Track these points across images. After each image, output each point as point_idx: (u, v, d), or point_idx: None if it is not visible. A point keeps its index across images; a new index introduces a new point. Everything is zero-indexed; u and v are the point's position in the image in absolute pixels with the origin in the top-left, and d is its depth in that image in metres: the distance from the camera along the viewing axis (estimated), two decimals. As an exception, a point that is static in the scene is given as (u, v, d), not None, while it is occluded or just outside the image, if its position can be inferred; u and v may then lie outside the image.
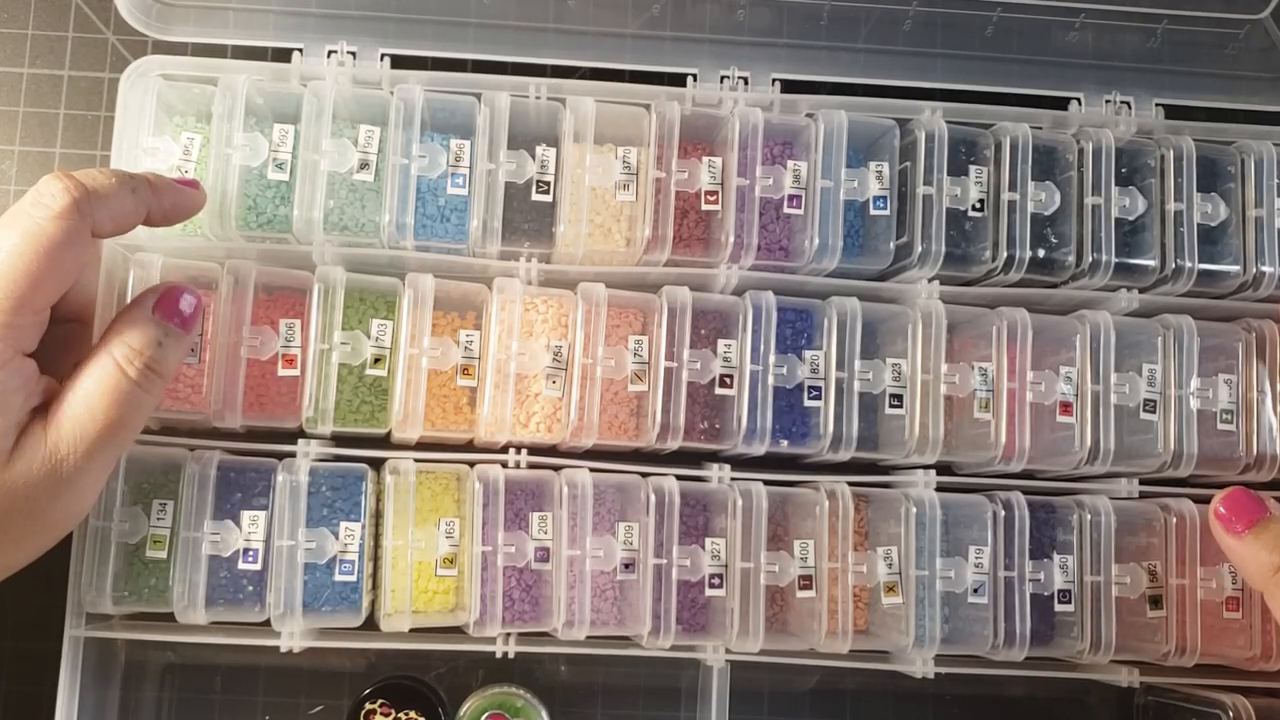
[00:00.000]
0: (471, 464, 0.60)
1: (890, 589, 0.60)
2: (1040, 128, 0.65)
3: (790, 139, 0.64)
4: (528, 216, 0.62)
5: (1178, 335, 0.62)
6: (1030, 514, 0.61)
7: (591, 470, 0.60)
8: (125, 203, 0.50)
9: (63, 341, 0.52)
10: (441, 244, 0.61)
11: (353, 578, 0.58)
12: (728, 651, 0.60)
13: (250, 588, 0.58)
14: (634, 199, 0.62)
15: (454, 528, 0.59)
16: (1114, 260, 0.62)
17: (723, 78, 0.64)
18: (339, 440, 0.60)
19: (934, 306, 0.62)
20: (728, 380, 0.61)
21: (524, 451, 0.60)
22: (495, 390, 0.59)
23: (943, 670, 0.61)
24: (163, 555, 0.58)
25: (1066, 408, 0.61)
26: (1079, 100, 0.66)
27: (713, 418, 0.61)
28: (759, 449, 0.61)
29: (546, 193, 0.61)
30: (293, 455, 0.59)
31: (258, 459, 0.59)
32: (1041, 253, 0.62)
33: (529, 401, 0.61)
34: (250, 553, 0.57)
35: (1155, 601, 0.62)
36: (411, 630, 0.59)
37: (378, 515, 0.59)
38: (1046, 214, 0.63)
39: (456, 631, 0.60)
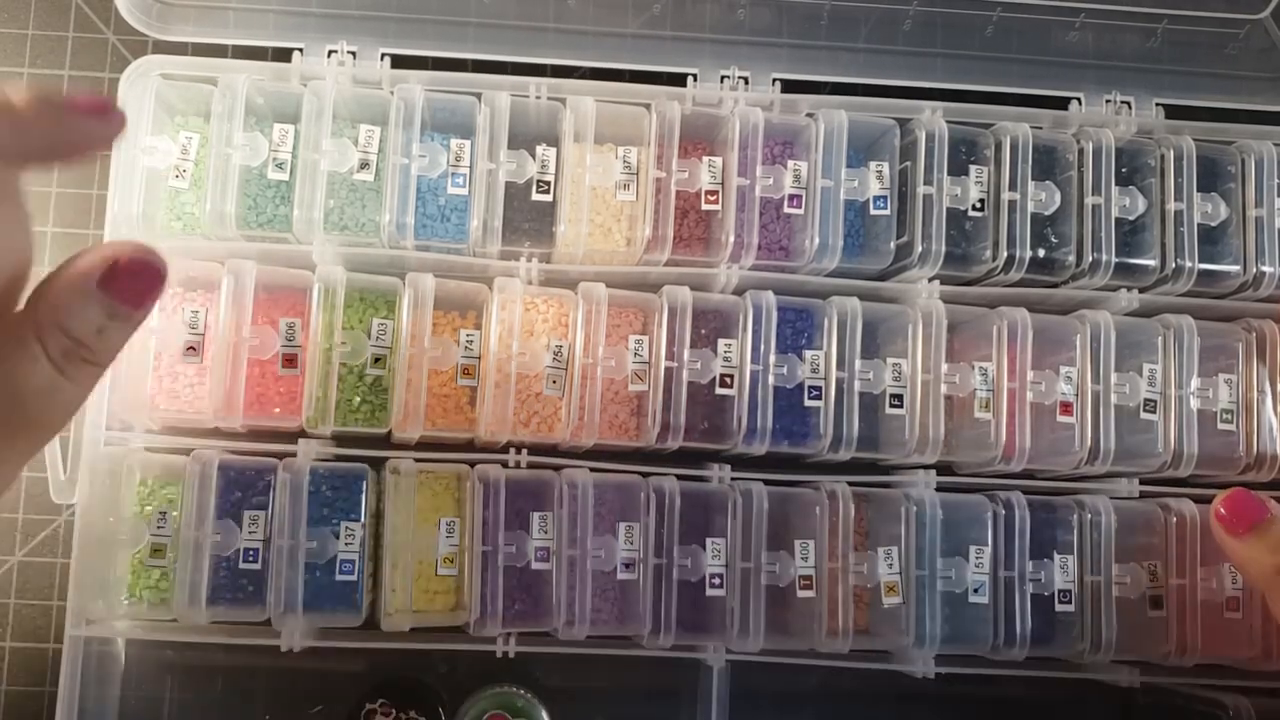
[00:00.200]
0: (472, 464, 0.60)
1: (890, 589, 0.60)
2: (1040, 128, 0.65)
3: (790, 139, 0.64)
4: (528, 216, 0.62)
5: (1178, 335, 0.62)
6: (1030, 514, 0.61)
7: (592, 470, 0.60)
8: None
9: None
10: (442, 244, 0.61)
11: (353, 578, 0.58)
12: (728, 651, 0.60)
13: (250, 587, 0.58)
14: (634, 199, 0.62)
15: (454, 527, 0.59)
16: (1114, 260, 0.62)
17: (723, 77, 0.64)
18: (339, 440, 0.60)
19: (934, 306, 0.62)
20: (728, 380, 0.61)
21: (524, 451, 0.60)
22: (496, 390, 0.59)
23: (943, 670, 0.61)
24: (163, 558, 0.58)
25: (1067, 408, 0.61)
26: (1079, 100, 0.66)
27: (713, 418, 0.61)
28: (759, 449, 0.61)
29: (547, 192, 0.61)
30: (293, 455, 0.59)
31: (258, 459, 0.59)
32: (1041, 253, 0.62)
33: (529, 401, 0.61)
34: (251, 552, 0.57)
35: (1155, 601, 0.61)
36: (412, 630, 0.59)
37: (378, 515, 0.59)
38: (1046, 214, 0.63)
39: (456, 631, 0.60)
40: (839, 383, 0.61)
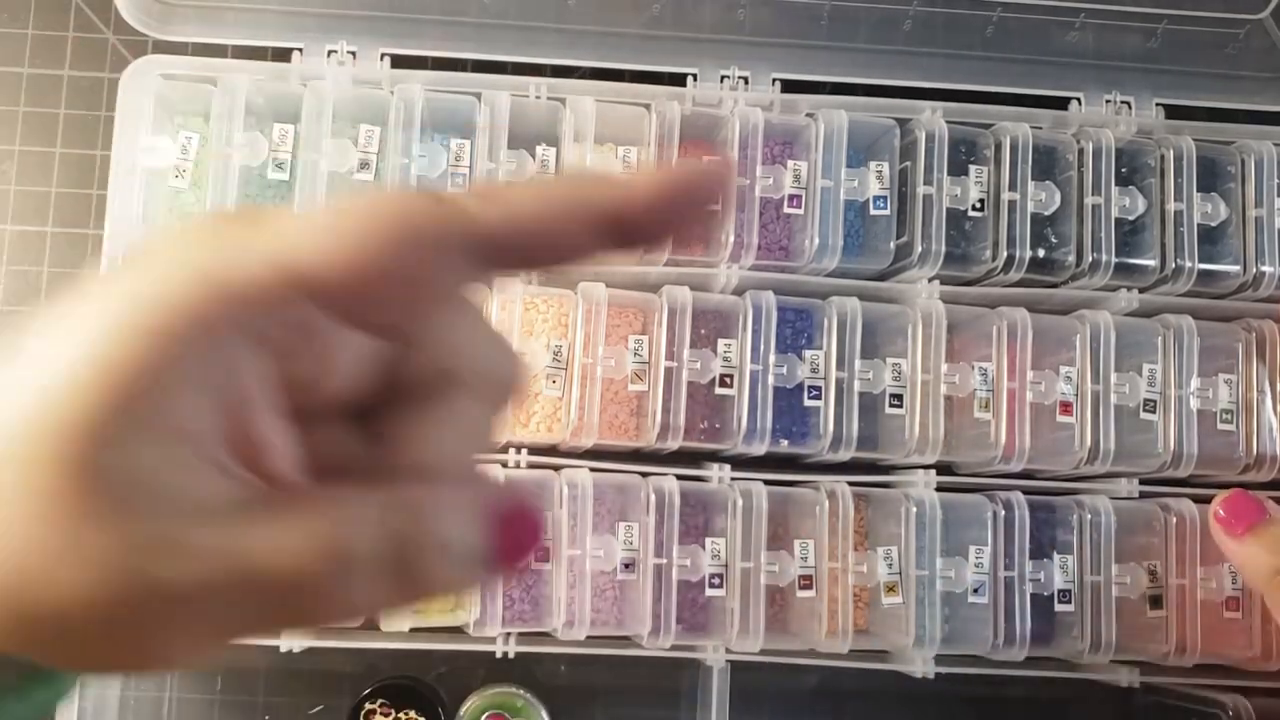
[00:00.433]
0: (471, 464, 0.60)
1: (890, 589, 0.60)
2: (1040, 128, 0.65)
3: (790, 139, 0.64)
4: (528, 216, 0.62)
5: (1178, 335, 0.62)
6: (1030, 514, 0.61)
7: (591, 470, 0.60)
8: None
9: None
10: (441, 244, 0.61)
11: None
12: (728, 651, 0.60)
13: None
14: (634, 199, 0.62)
15: (454, 527, 0.59)
16: (1114, 260, 0.62)
17: (723, 77, 0.64)
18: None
19: (934, 306, 0.62)
20: (728, 380, 0.61)
21: (524, 451, 0.60)
22: (495, 390, 0.59)
23: (943, 670, 0.61)
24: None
25: (1066, 408, 0.61)
26: (1079, 100, 0.66)
27: (713, 417, 0.61)
28: (759, 449, 0.61)
29: (546, 192, 0.61)
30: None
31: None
32: (1041, 253, 0.62)
33: (529, 401, 0.61)
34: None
35: (1155, 601, 0.61)
36: (411, 630, 0.59)
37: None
38: (1046, 214, 0.63)
39: (456, 631, 0.60)
40: (839, 383, 0.61)
